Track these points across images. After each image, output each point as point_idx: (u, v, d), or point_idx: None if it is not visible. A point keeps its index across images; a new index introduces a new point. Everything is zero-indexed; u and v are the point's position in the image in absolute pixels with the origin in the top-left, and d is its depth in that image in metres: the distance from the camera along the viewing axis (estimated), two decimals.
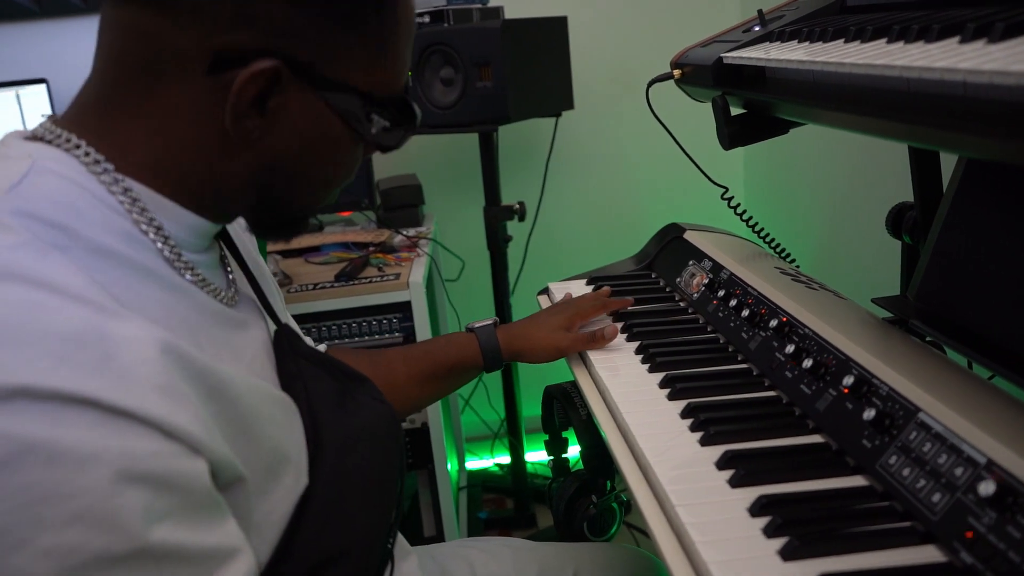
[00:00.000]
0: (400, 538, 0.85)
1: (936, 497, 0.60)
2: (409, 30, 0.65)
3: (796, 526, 0.62)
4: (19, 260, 0.50)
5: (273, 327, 0.73)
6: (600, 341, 1.01)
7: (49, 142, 0.58)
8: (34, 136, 0.59)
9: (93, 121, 0.59)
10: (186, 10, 0.54)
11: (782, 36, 0.90)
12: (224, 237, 0.72)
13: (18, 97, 1.92)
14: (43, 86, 1.93)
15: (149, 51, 0.56)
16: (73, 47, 2.07)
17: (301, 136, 0.61)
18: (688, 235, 1.23)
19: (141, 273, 0.56)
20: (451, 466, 2.01)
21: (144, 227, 0.58)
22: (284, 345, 0.71)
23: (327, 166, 0.65)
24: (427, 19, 1.76)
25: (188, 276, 0.61)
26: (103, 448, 0.46)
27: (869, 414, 0.69)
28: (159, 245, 0.58)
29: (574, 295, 1.14)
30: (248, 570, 0.54)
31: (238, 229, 0.78)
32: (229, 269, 0.69)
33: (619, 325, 1.06)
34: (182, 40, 0.55)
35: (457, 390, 1.27)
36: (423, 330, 1.66)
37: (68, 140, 0.58)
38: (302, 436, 0.66)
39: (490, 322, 1.07)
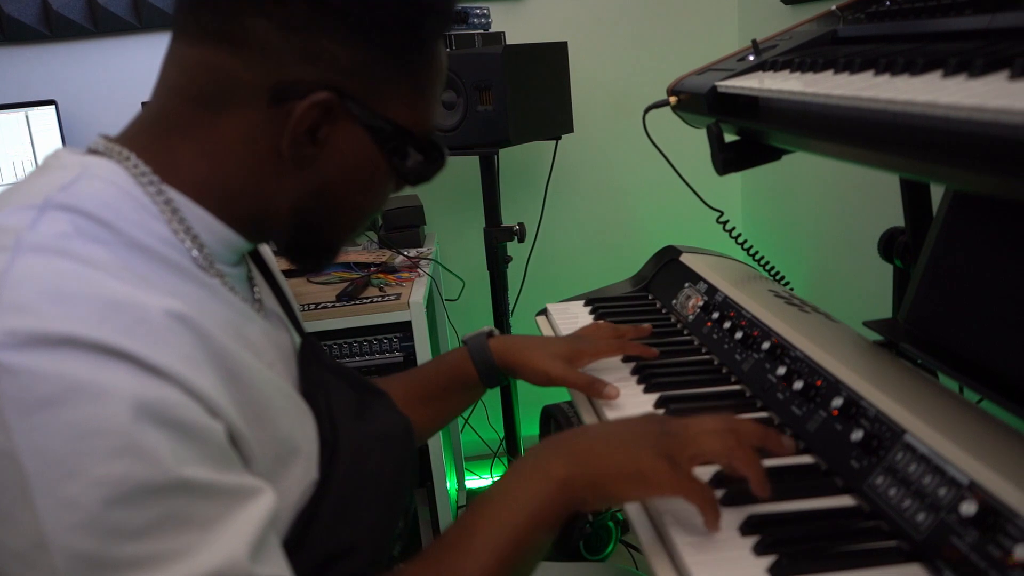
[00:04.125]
0: None
1: (921, 517, 0.62)
2: (443, 73, 0.70)
3: (786, 544, 0.63)
4: (66, 244, 0.55)
5: (299, 339, 0.77)
6: (597, 392, 0.92)
7: (102, 154, 0.63)
8: (89, 151, 0.64)
9: (147, 140, 0.64)
10: (256, 50, 0.60)
11: (775, 66, 0.92)
12: (253, 255, 0.77)
13: (27, 118, 1.95)
14: (52, 108, 1.96)
15: (214, 83, 0.62)
16: (81, 70, 2.09)
17: (345, 165, 0.66)
18: (684, 257, 1.25)
19: (173, 269, 0.60)
20: (450, 485, 2.02)
21: (180, 234, 0.62)
22: (309, 355, 0.75)
23: (364, 196, 0.69)
24: None
25: (217, 280, 0.65)
26: (139, 393, 0.50)
27: (857, 435, 0.71)
28: (194, 253, 0.63)
29: (576, 316, 1.15)
30: (273, 505, 0.58)
31: (265, 247, 0.83)
32: (256, 288, 0.73)
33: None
34: (247, 75, 0.61)
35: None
36: (423, 350, 1.68)
37: (120, 153, 0.63)
38: (314, 434, 0.69)
39: (484, 331, 1.03)
